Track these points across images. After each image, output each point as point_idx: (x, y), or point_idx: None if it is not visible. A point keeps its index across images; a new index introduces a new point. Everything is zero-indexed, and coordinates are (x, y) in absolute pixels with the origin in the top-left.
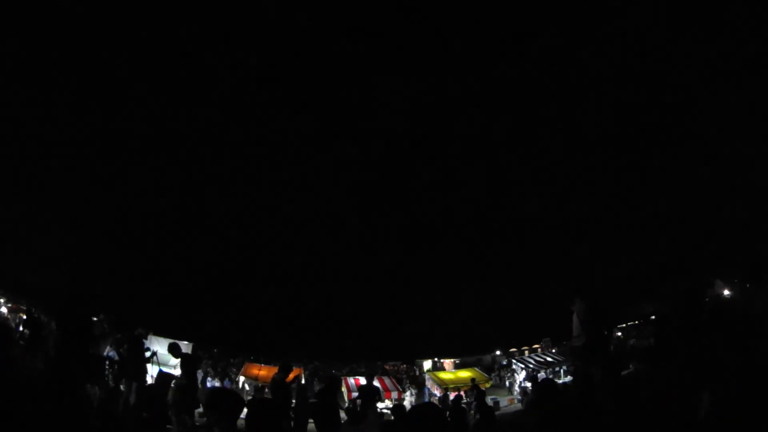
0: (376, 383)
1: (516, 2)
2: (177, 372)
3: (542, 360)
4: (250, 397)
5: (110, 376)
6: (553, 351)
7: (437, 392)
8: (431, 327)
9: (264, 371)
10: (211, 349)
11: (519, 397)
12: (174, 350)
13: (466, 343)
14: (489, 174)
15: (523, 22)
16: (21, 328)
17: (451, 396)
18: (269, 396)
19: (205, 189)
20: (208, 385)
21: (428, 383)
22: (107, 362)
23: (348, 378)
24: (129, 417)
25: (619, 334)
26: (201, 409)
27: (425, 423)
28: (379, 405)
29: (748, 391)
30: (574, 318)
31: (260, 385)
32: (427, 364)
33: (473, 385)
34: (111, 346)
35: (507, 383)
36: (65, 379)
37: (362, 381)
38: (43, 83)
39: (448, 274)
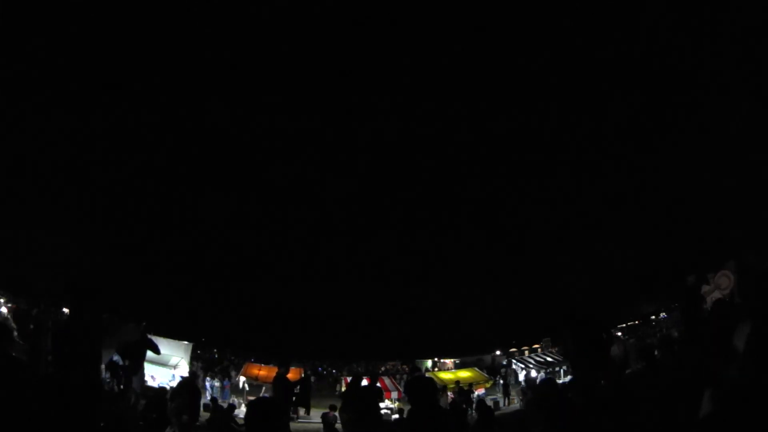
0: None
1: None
2: (176, 371)
3: (542, 360)
4: (251, 397)
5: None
6: (553, 351)
7: None
8: (432, 327)
9: (264, 371)
10: (211, 349)
11: (519, 397)
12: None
13: (466, 343)
14: (489, 174)
15: (526, 20)
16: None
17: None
18: (270, 393)
19: (205, 187)
20: (207, 385)
21: None
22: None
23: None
24: (134, 417)
25: (619, 334)
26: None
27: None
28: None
29: (750, 390)
30: (566, 338)
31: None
32: (427, 364)
33: (459, 388)
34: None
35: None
36: (79, 381)
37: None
38: (41, 81)
39: (448, 274)
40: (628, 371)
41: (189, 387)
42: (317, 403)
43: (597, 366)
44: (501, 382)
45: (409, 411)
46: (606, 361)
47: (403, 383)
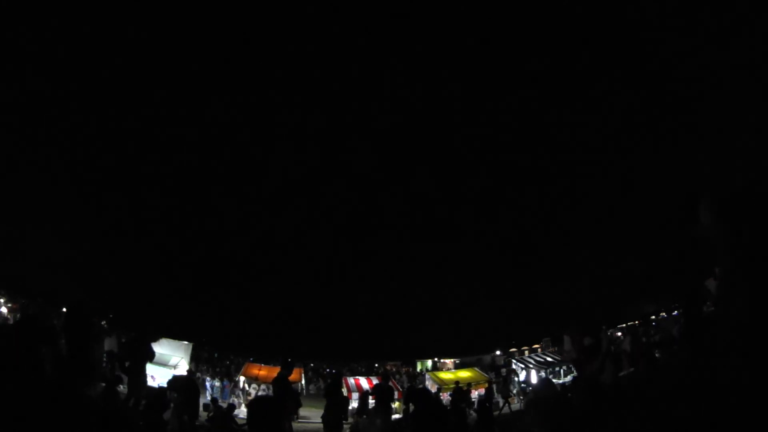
0: (376, 382)
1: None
2: (176, 371)
3: (542, 360)
4: (251, 398)
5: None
6: (553, 351)
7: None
8: (432, 327)
9: (264, 371)
10: (211, 349)
11: (519, 397)
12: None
13: (466, 343)
14: (489, 174)
15: (522, 21)
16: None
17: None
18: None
19: (205, 187)
20: (207, 385)
21: (428, 383)
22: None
23: (348, 378)
24: (134, 417)
25: (619, 334)
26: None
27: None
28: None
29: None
30: (566, 338)
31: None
32: (427, 364)
33: (456, 388)
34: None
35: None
36: (73, 381)
37: (362, 381)
38: (42, 81)
39: (448, 275)
40: (627, 371)
41: (188, 385)
42: (317, 404)
43: (598, 365)
44: (515, 379)
45: (413, 411)
46: (607, 360)
47: (406, 384)
